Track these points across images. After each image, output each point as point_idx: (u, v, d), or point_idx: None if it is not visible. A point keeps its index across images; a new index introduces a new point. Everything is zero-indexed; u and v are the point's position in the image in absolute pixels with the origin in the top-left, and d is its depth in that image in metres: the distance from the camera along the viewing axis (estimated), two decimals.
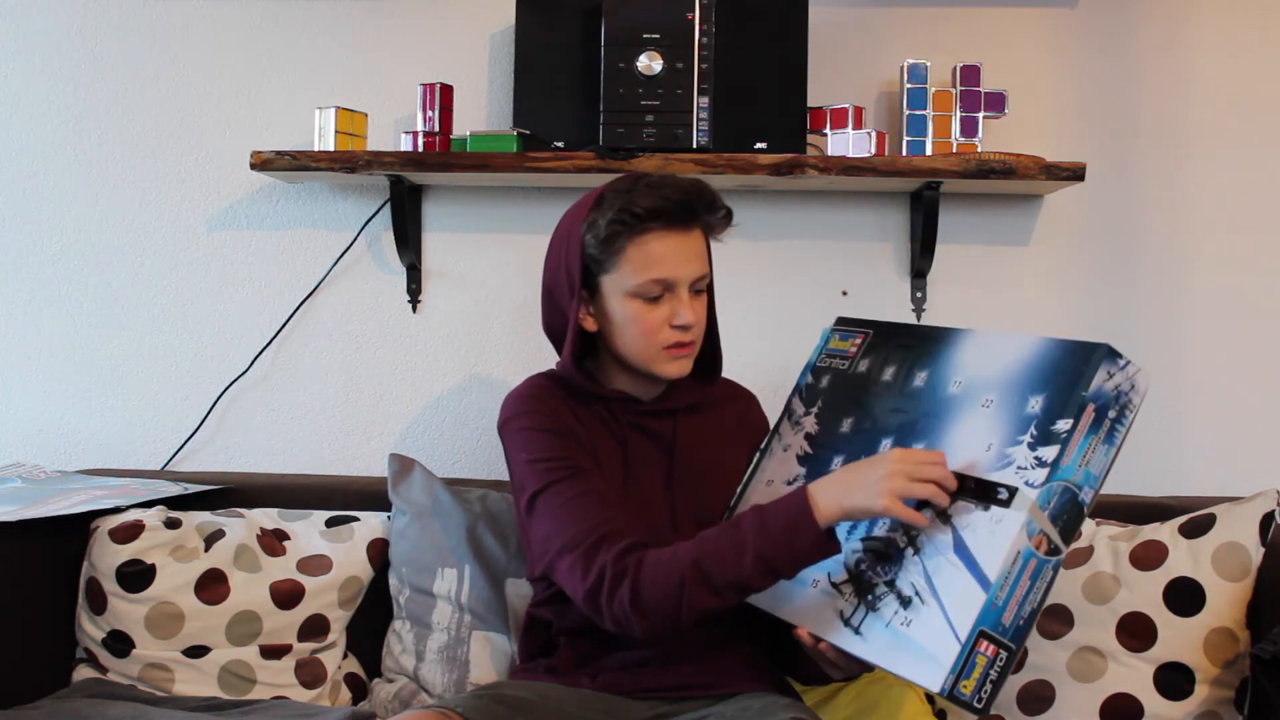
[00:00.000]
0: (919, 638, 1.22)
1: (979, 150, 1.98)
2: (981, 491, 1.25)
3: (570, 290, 1.50)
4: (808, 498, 1.32)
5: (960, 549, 1.23)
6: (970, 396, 1.35)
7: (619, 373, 1.56)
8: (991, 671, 1.20)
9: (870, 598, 1.29)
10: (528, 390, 1.58)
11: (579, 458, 1.49)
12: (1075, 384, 1.23)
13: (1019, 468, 1.24)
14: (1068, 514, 1.21)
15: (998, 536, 1.21)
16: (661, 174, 1.49)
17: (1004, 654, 1.20)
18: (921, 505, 1.27)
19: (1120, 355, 1.24)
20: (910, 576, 1.27)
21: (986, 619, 1.19)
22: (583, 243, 1.47)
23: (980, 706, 1.20)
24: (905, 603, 1.25)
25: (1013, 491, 1.22)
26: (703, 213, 1.48)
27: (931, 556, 1.26)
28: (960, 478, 1.27)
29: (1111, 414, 1.23)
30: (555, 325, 1.57)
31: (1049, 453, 1.21)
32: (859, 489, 1.28)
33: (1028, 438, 1.25)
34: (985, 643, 1.19)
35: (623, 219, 1.43)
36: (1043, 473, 1.20)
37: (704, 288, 1.52)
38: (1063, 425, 1.22)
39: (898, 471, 1.26)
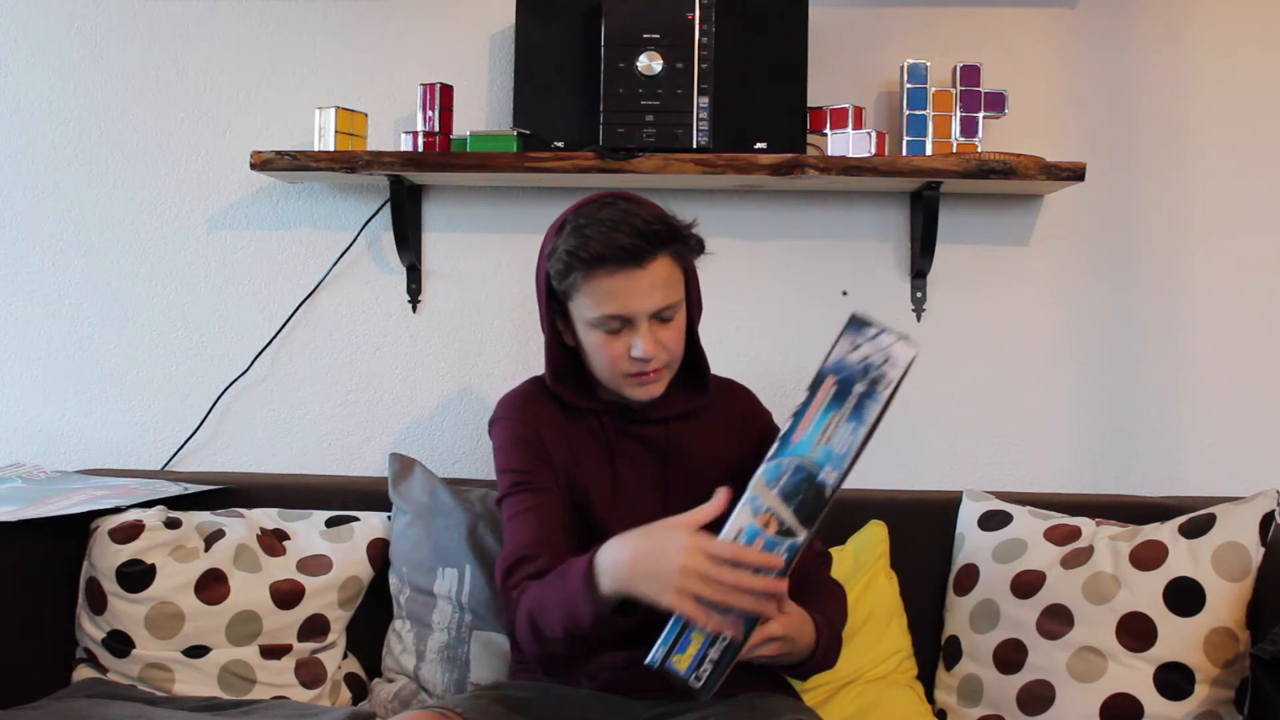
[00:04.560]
0: (671, 619, 1.21)
1: (979, 150, 1.98)
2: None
3: (544, 307, 1.52)
4: (591, 571, 1.27)
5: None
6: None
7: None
8: (710, 650, 1.16)
9: None
10: (519, 396, 1.59)
11: (540, 473, 1.51)
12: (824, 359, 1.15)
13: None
14: (803, 493, 1.14)
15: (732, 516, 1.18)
16: (627, 208, 1.44)
17: (725, 634, 1.16)
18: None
19: (870, 324, 1.13)
20: None
21: None
22: (546, 270, 1.48)
23: (699, 686, 1.17)
24: None
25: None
26: (658, 245, 1.43)
27: None
28: None
29: (859, 388, 1.13)
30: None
31: (784, 428, 1.15)
32: (648, 578, 1.22)
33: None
34: None
35: (571, 262, 1.42)
36: (771, 450, 1.15)
37: (673, 315, 1.47)
38: (800, 402, 1.15)
39: (690, 571, 1.19)
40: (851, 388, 1.13)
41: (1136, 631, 1.63)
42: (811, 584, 1.52)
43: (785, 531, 1.15)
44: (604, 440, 1.55)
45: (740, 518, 1.16)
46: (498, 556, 1.51)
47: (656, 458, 1.55)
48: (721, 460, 1.57)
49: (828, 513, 1.17)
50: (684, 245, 1.47)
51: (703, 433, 1.57)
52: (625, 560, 1.25)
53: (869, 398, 1.12)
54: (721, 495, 1.21)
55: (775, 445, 1.14)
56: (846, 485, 1.60)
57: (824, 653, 1.44)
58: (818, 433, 1.13)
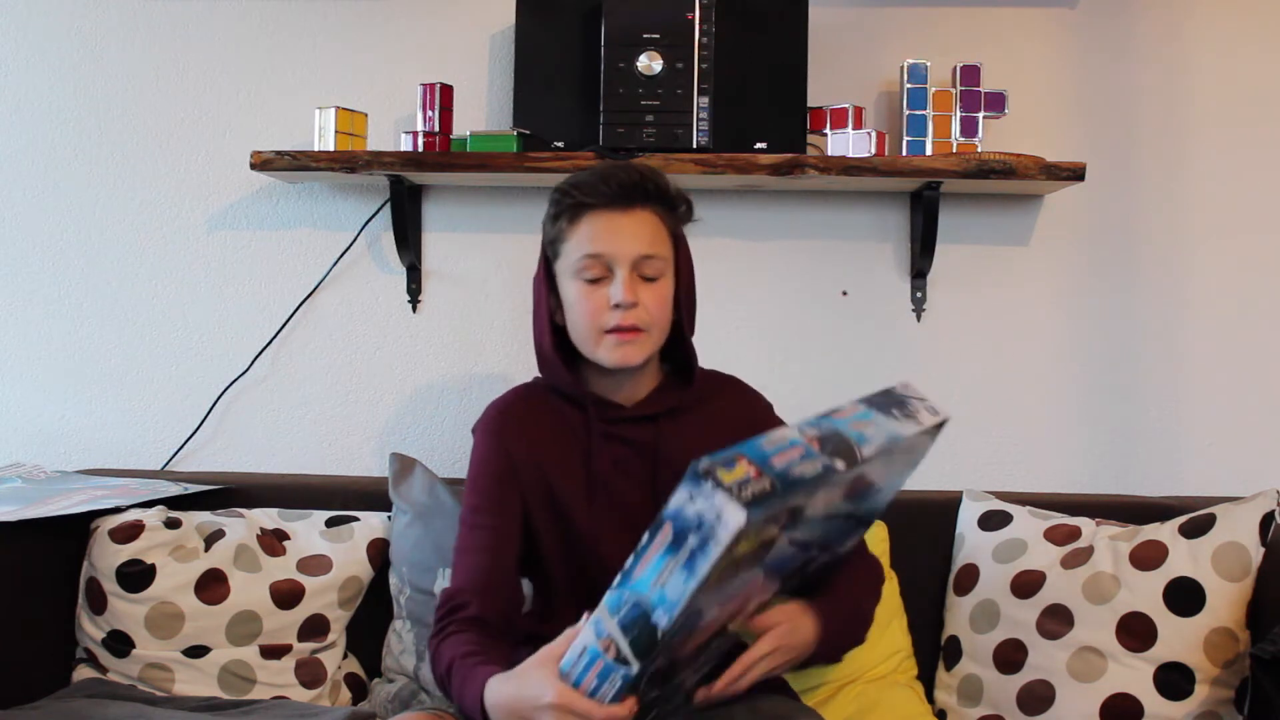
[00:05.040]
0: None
1: (979, 150, 1.98)
2: None
3: (541, 278, 1.55)
4: (481, 697, 1.31)
5: None
6: None
7: (596, 377, 1.54)
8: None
9: None
10: (500, 409, 1.59)
11: (500, 505, 1.53)
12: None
13: None
14: (638, 630, 1.13)
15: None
16: (619, 163, 1.53)
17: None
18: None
19: (709, 478, 1.07)
20: None
21: None
22: (543, 230, 1.54)
23: None
24: None
25: None
26: (643, 197, 1.48)
27: None
28: None
29: (692, 540, 1.08)
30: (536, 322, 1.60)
31: (628, 561, 1.14)
32: (521, 715, 1.26)
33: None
34: None
35: (563, 202, 1.49)
36: (615, 580, 1.14)
37: (655, 275, 1.49)
38: (643, 540, 1.12)
39: None
40: (685, 538, 1.08)
41: (1136, 631, 1.63)
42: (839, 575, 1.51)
43: (622, 660, 1.15)
44: (588, 446, 1.54)
45: (586, 636, 1.18)
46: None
47: (646, 460, 1.53)
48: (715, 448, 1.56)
49: (669, 649, 1.17)
50: (670, 205, 1.50)
51: (694, 427, 1.55)
52: (502, 705, 1.29)
53: (700, 552, 1.07)
54: (584, 619, 1.24)
55: (619, 576, 1.14)
56: None
57: (834, 637, 1.43)
58: (655, 574, 1.11)
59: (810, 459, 1.11)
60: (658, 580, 1.10)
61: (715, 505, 1.06)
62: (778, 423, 1.64)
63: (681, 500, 1.08)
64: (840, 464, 1.12)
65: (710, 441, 1.55)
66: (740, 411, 1.60)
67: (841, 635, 1.46)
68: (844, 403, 1.23)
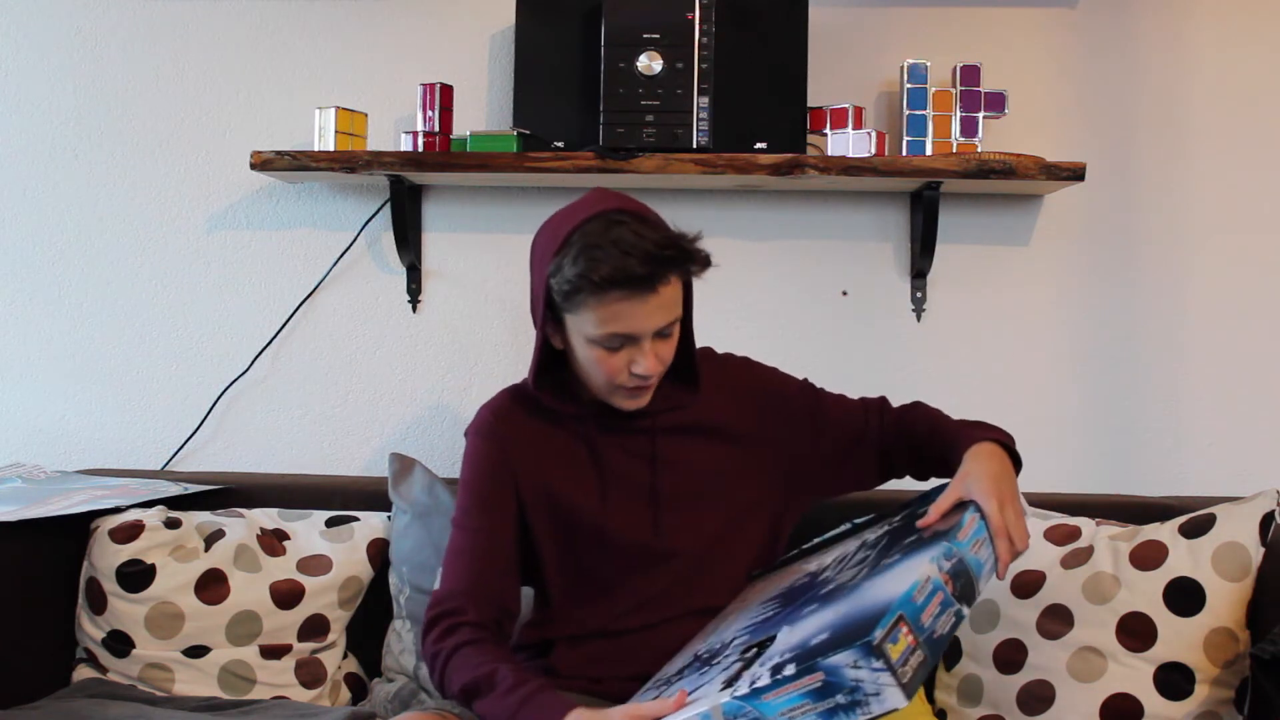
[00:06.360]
0: None
1: (979, 150, 1.98)
2: (733, 670, 1.23)
3: (537, 314, 1.48)
4: None
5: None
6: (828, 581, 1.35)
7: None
8: None
9: None
10: (494, 411, 1.57)
11: (495, 508, 1.51)
12: (818, 649, 1.14)
13: (750, 667, 1.19)
14: None
15: (690, 706, 1.20)
16: (637, 230, 1.38)
17: None
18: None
19: (879, 658, 1.09)
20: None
21: None
22: (547, 285, 1.43)
23: None
24: None
25: (733, 680, 1.19)
26: (672, 274, 1.40)
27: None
28: (762, 643, 1.26)
29: (841, 698, 1.11)
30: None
31: (763, 679, 1.15)
32: None
33: (777, 657, 1.19)
34: None
35: (580, 285, 1.37)
36: (745, 689, 1.15)
37: (672, 330, 1.45)
38: (788, 670, 1.13)
39: None
40: (834, 694, 1.12)
41: (1136, 631, 1.63)
42: (928, 423, 1.58)
43: None
44: (588, 440, 1.53)
45: (690, 717, 1.18)
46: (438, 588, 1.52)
47: (644, 456, 1.53)
48: (712, 448, 1.55)
49: None
50: (688, 268, 1.43)
51: (690, 426, 1.54)
52: None
53: (846, 712, 1.12)
54: (679, 695, 1.23)
55: (747, 689, 1.15)
56: None
57: (986, 433, 1.50)
58: (788, 707, 1.13)
59: (948, 609, 1.18)
60: (788, 712, 1.13)
61: (879, 683, 1.10)
62: (754, 369, 1.64)
63: (844, 661, 1.10)
64: (966, 610, 1.20)
65: (707, 433, 1.55)
66: (749, 384, 1.61)
67: (988, 429, 1.51)
68: (965, 511, 1.31)
